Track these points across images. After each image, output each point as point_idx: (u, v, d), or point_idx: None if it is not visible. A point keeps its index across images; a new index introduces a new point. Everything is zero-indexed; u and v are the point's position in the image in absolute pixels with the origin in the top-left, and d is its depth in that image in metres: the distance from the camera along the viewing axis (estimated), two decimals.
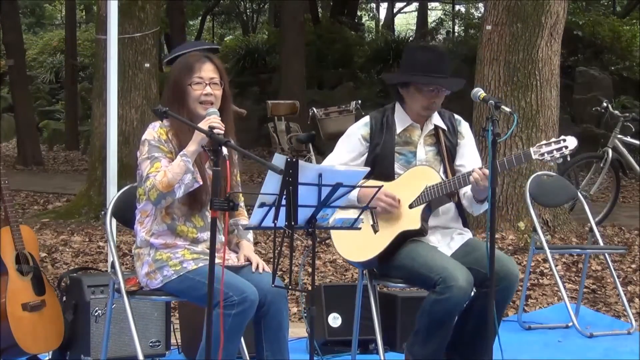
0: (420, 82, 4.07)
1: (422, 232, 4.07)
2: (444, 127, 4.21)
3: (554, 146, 3.90)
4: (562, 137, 3.93)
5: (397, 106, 4.22)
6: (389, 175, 4.12)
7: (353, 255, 4.14)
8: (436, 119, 4.21)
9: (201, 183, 3.69)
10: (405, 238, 4.05)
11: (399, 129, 4.17)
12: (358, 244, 4.07)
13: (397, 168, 4.15)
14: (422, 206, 4.04)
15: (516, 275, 4.00)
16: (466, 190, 4.10)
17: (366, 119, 4.25)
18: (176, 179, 3.64)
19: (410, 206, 4.05)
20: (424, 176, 4.07)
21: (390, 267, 4.08)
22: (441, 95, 4.14)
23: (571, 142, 3.89)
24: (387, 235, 4.05)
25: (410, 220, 4.04)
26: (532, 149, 3.94)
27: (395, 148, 4.15)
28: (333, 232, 4.14)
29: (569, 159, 3.92)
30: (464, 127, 4.27)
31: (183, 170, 3.65)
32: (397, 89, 4.21)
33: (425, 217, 4.07)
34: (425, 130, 4.19)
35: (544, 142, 3.94)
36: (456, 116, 4.29)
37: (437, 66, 4.09)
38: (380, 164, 4.14)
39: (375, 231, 4.06)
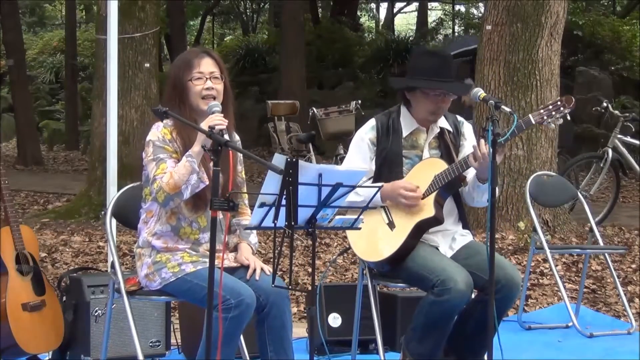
0: (426, 87, 4.07)
1: (438, 220, 4.06)
2: (450, 128, 4.21)
3: (552, 107, 3.95)
4: (558, 98, 3.97)
5: (403, 109, 4.21)
6: (398, 179, 4.11)
7: (372, 255, 4.11)
8: (442, 121, 4.21)
9: (207, 183, 3.66)
10: (422, 229, 4.05)
11: (405, 133, 4.17)
12: (376, 243, 4.07)
13: (404, 172, 4.15)
14: (434, 193, 4.04)
15: (518, 283, 3.99)
16: (466, 188, 4.13)
17: (372, 122, 4.22)
18: (182, 180, 3.63)
19: (422, 197, 4.06)
20: (431, 167, 4.09)
21: (397, 267, 4.06)
22: (447, 100, 4.14)
23: (568, 100, 3.91)
24: (404, 230, 4.04)
25: (424, 210, 4.04)
26: (530, 115, 3.98)
27: (402, 152, 4.15)
28: (350, 234, 4.13)
29: (568, 117, 3.94)
30: (467, 128, 4.28)
31: (189, 171, 3.63)
32: (404, 93, 4.19)
33: (440, 203, 4.06)
34: (431, 134, 4.19)
35: (542, 106, 3.98)
36: (459, 118, 4.31)
37: (443, 71, 4.09)
38: (388, 168, 4.14)
39: (392, 228, 4.06)
